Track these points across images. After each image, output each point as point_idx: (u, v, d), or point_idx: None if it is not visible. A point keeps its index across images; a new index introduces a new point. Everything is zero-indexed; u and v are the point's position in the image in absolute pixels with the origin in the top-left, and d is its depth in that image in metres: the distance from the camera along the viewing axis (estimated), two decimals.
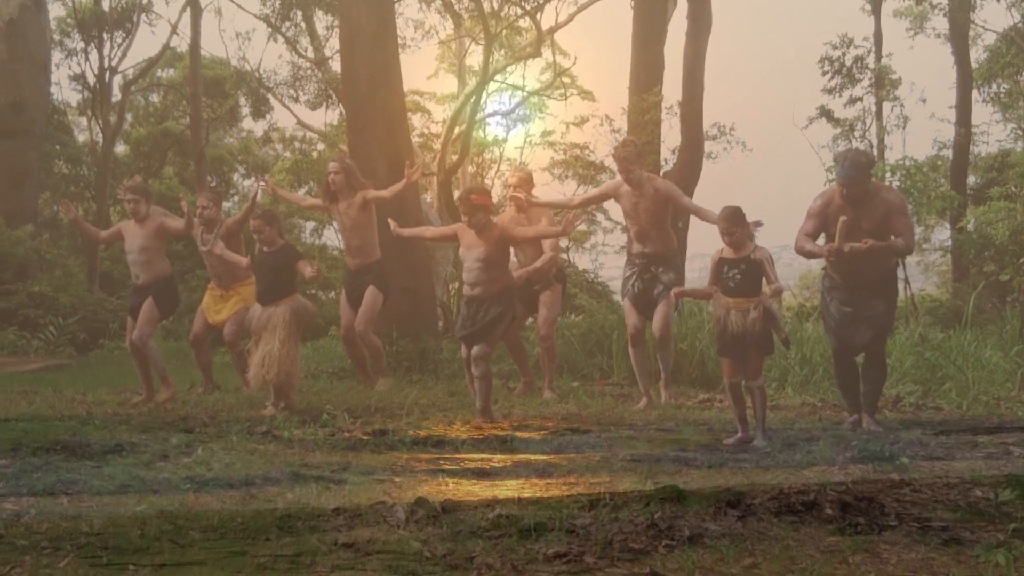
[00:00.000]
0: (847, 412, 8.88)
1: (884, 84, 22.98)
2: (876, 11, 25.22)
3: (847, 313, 8.46)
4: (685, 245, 16.86)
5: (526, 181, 10.84)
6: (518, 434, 8.20)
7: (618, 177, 10.13)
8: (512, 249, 10.01)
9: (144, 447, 7.58)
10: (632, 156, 9.78)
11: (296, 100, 29.65)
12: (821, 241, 8.54)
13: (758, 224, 8.08)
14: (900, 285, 18.59)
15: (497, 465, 6.93)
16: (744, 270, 7.58)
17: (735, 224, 7.65)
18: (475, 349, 8.78)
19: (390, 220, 9.78)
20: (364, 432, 8.10)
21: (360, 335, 11.26)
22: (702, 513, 5.40)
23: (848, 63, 22.40)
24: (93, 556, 4.64)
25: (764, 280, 7.62)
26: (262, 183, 11.68)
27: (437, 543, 4.82)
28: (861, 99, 22.93)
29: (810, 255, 8.61)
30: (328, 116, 30.11)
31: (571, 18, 25.91)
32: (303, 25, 27.53)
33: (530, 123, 35.38)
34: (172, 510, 5.62)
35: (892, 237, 8.21)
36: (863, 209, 8.24)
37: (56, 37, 31.80)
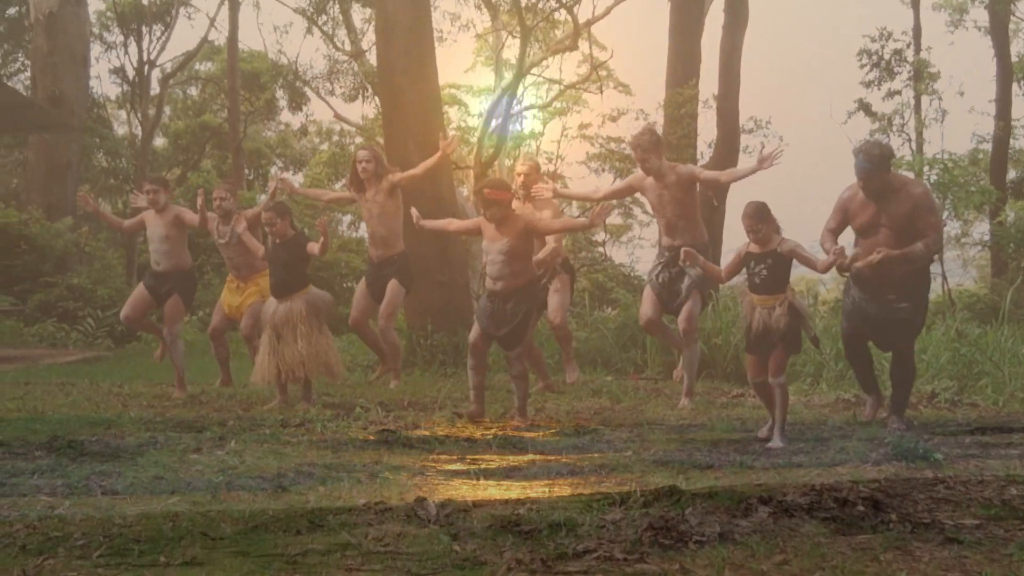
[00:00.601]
0: (864, 392, 8.87)
1: (923, 77, 22.82)
2: (915, 4, 25.02)
3: (866, 304, 8.25)
4: (720, 239, 16.79)
5: (533, 171, 10.56)
6: (546, 430, 8.20)
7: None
8: None
9: (178, 440, 7.62)
10: (648, 145, 9.51)
11: (332, 93, 29.72)
12: (844, 239, 8.42)
13: (771, 156, 8.37)
14: (937, 280, 18.52)
15: (526, 462, 6.93)
16: (771, 265, 7.40)
17: (759, 221, 7.45)
18: (512, 353, 8.67)
19: (413, 210, 9.57)
20: (371, 433, 8.05)
21: (382, 330, 11.02)
22: (733, 509, 5.38)
23: (887, 56, 22.25)
24: (124, 548, 4.66)
25: (809, 269, 7.67)
26: (279, 181, 11.48)
27: (467, 539, 4.82)
28: (899, 92, 22.79)
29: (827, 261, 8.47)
30: (365, 109, 30.23)
31: (608, 11, 25.83)
32: (340, 18, 27.58)
33: (566, 116, 35.32)
34: (204, 503, 5.65)
35: (917, 243, 7.97)
36: (885, 203, 8.06)
37: (96, 31, 32.05)
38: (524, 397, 8.87)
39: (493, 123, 22.05)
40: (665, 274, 9.67)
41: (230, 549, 4.66)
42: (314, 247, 9.28)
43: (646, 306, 9.80)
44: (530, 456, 7.09)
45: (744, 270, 7.66)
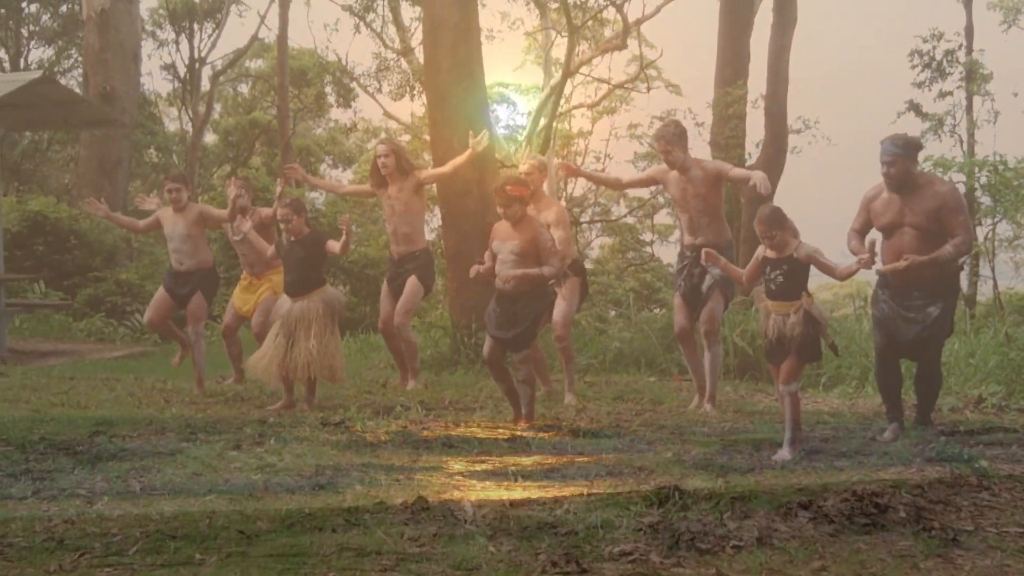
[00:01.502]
0: (887, 418, 8.26)
1: (975, 78, 22.55)
2: (968, 4, 24.75)
3: (896, 311, 7.92)
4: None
5: (537, 170, 10.17)
6: (586, 430, 8.18)
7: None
8: None
9: (217, 437, 7.65)
10: (672, 136, 9.22)
11: (379, 91, 29.80)
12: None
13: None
14: (987, 283, 18.32)
15: (563, 462, 6.90)
16: (787, 271, 7.11)
17: (773, 227, 7.12)
18: (517, 356, 8.40)
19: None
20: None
21: (398, 327, 10.66)
22: (772, 514, 5.33)
23: (938, 57, 21.98)
24: (161, 545, 4.69)
25: (827, 276, 7.39)
26: (288, 170, 11.39)
27: (503, 540, 4.81)
28: (951, 93, 22.47)
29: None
30: (414, 107, 30.24)
31: (658, 10, 25.78)
32: (390, 15, 27.65)
33: (615, 115, 35.24)
34: (241, 501, 5.67)
35: (945, 246, 7.68)
36: (910, 201, 7.75)
37: (148, 28, 32.32)
38: (531, 402, 8.62)
39: (541, 122, 22.02)
40: (689, 278, 9.40)
41: (266, 547, 4.67)
42: (335, 245, 9.18)
43: (678, 315, 9.58)
44: (568, 457, 7.06)
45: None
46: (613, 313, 21.82)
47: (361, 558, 4.51)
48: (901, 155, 7.74)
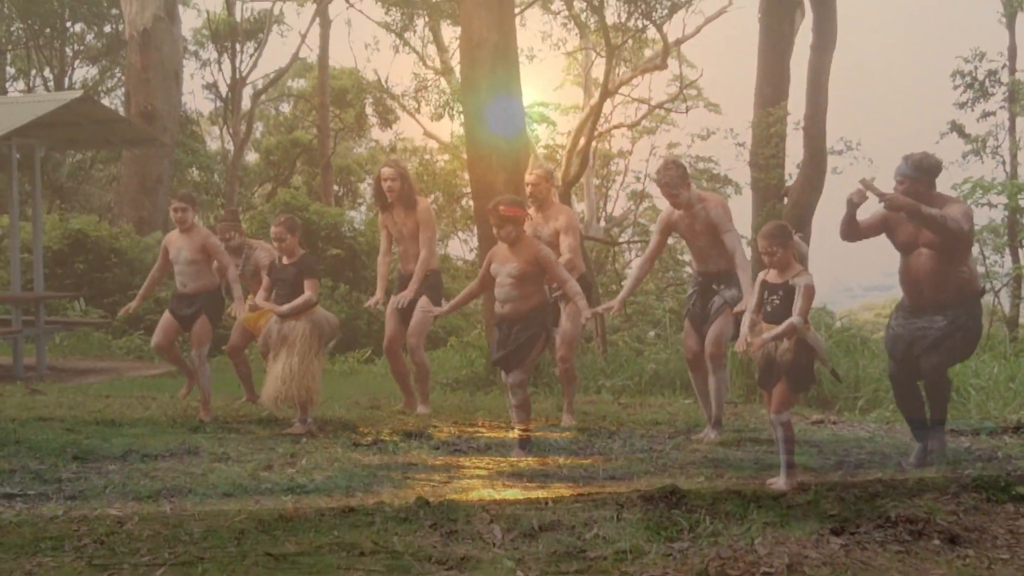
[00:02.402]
0: (913, 439, 8.02)
1: (1018, 99, 22.38)
2: (1011, 24, 24.57)
3: (908, 331, 7.66)
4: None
5: (543, 179, 9.83)
6: (618, 453, 8.14)
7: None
8: None
9: (249, 456, 7.67)
10: (675, 180, 8.79)
11: (418, 111, 29.90)
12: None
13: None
14: None
15: (599, 481, 6.86)
16: (783, 296, 6.82)
17: (776, 243, 6.81)
18: (511, 376, 8.16)
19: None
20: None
21: (411, 349, 10.19)
22: (804, 540, 5.29)
23: (981, 77, 21.84)
24: (189, 564, 4.70)
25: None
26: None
27: (531, 564, 4.79)
28: (994, 114, 22.33)
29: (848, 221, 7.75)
30: (454, 126, 30.33)
31: (698, 30, 25.81)
32: (430, 35, 27.74)
33: (655, 135, 35.28)
34: (270, 522, 5.66)
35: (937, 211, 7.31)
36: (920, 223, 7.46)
37: (191, 48, 32.61)
38: (526, 427, 8.33)
39: (581, 142, 22.02)
40: (699, 302, 9.08)
41: (293, 569, 4.67)
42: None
43: (688, 340, 9.23)
44: (599, 484, 7.01)
45: None
46: (652, 334, 21.76)
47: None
48: (912, 176, 7.49)
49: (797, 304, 6.69)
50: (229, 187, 29.91)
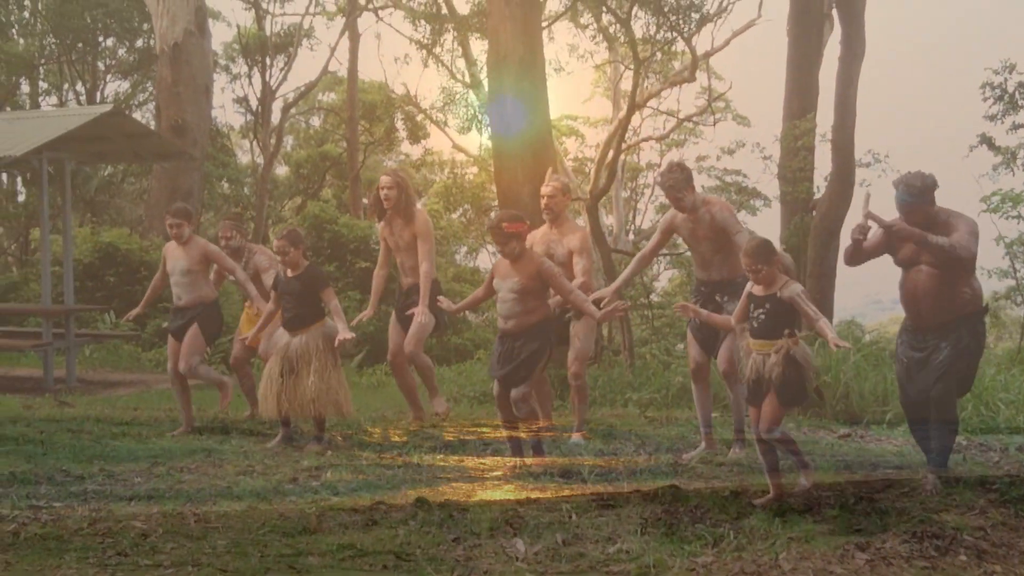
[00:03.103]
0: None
1: None
2: None
3: (912, 359, 7.47)
4: (832, 289, 16.32)
5: (559, 192, 9.57)
6: (643, 468, 8.09)
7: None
8: None
9: (275, 470, 7.68)
10: (679, 183, 8.61)
11: (446, 124, 29.96)
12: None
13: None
14: None
15: (624, 495, 6.82)
16: (769, 310, 6.68)
17: (760, 260, 6.66)
18: (514, 392, 7.95)
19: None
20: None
21: (409, 356, 9.88)
22: (829, 555, 5.26)
23: (1010, 89, 21.67)
24: None
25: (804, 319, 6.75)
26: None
27: None
28: None
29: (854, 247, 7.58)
30: (483, 139, 30.28)
31: (727, 43, 25.77)
32: (459, 49, 27.79)
33: (683, 148, 35.23)
34: (294, 535, 5.68)
35: (940, 237, 7.12)
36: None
37: (222, 62, 32.75)
38: (534, 444, 8.18)
39: (609, 155, 21.99)
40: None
41: None
42: (341, 334, 8.78)
43: (691, 351, 9.07)
44: (626, 492, 6.97)
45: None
46: (680, 347, 21.68)
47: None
48: (917, 203, 7.24)
49: (808, 309, 6.59)
50: (259, 200, 29.99)
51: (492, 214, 35.44)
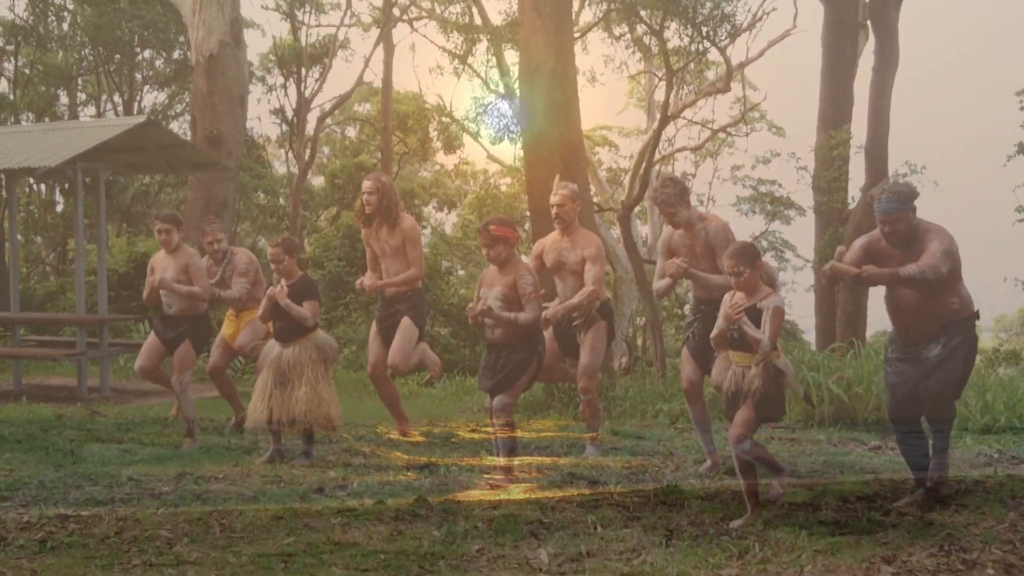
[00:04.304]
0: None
1: None
2: None
3: (904, 366, 7.12)
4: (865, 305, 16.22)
5: (569, 200, 9.24)
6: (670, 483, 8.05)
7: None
8: (556, 279, 9.19)
9: (302, 479, 7.70)
10: (674, 198, 8.16)
11: (478, 135, 29.97)
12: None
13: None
14: None
15: (650, 508, 6.80)
16: (750, 320, 6.42)
17: (743, 263, 6.45)
18: (496, 400, 7.77)
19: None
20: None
21: (393, 367, 9.62)
22: (854, 568, 5.23)
23: None
24: None
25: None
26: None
27: None
28: None
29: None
30: (516, 149, 30.20)
31: (762, 53, 25.70)
32: (493, 59, 27.83)
33: (718, 158, 35.16)
34: (319, 544, 5.69)
35: (909, 265, 6.74)
36: (907, 253, 6.88)
37: (258, 73, 32.91)
38: (510, 453, 7.92)
39: (644, 165, 21.98)
40: (699, 331, 8.35)
41: None
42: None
43: (685, 369, 8.65)
44: (650, 508, 6.94)
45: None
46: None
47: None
48: (902, 211, 6.87)
49: (766, 328, 6.36)
50: (293, 210, 30.14)
51: (525, 225, 35.49)
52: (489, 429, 8.15)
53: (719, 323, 6.60)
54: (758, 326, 6.37)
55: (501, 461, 7.86)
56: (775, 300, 6.44)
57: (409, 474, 7.99)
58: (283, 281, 8.70)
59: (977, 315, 7.19)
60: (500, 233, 7.67)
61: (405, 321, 9.58)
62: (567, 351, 9.34)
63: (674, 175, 9.82)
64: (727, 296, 6.65)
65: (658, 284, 8.67)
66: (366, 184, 9.82)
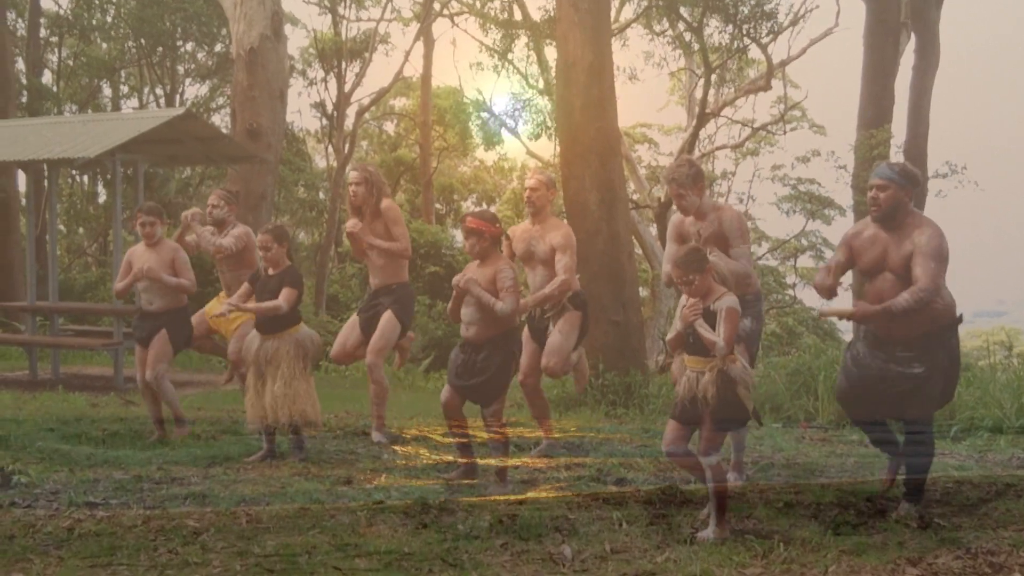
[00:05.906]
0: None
1: None
2: None
3: (870, 360, 6.85)
4: None
5: (543, 186, 8.91)
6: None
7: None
8: (527, 269, 8.94)
9: (330, 471, 7.73)
10: (686, 179, 7.69)
11: (515, 131, 29.94)
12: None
13: None
14: None
15: (672, 510, 6.78)
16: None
17: (691, 270, 6.13)
18: (487, 410, 7.49)
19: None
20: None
21: (369, 367, 9.36)
22: (879, 569, 5.21)
23: None
24: None
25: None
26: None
27: None
28: None
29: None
30: (555, 146, 30.13)
31: (803, 51, 25.53)
32: (533, 55, 27.81)
33: (758, 157, 34.96)
34: (343, 536, 5.71)
35: (901, 294, 6.50)
36: (894, 239, 6.66)
37: (298, 67, 33.05)
38: (504, 458, 7.68)
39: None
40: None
41: None
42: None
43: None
44: (674, 508, 6.91)
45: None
46: None
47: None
48: (896, 181, 6.63)
49: (720, 329, 6.04)
50: (332, 204, 30.25)
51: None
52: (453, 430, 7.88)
53: (675, 324, 6.36)
54: (714, 328, 6.08)
55: (494, 462, 7.66)
56: (728, 300, 6.12)
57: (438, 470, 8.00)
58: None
59: (959, 320, 6.88)
60: (474, 226, 7.44)
61: (388, 315, 9.33)
62: (539, 342, 8.98)
63: (691, 157, 9.22)
64: (683, 298, 6.38)
65: (667, 268, 7.70)
66: (352, 175, 9.61)
